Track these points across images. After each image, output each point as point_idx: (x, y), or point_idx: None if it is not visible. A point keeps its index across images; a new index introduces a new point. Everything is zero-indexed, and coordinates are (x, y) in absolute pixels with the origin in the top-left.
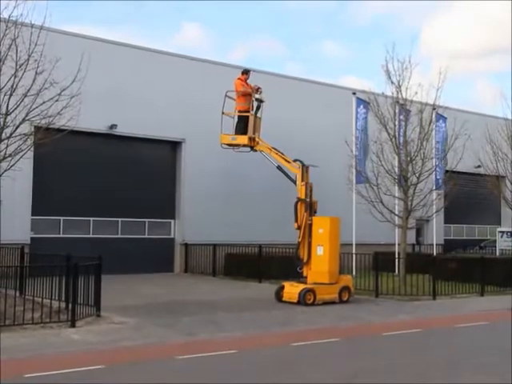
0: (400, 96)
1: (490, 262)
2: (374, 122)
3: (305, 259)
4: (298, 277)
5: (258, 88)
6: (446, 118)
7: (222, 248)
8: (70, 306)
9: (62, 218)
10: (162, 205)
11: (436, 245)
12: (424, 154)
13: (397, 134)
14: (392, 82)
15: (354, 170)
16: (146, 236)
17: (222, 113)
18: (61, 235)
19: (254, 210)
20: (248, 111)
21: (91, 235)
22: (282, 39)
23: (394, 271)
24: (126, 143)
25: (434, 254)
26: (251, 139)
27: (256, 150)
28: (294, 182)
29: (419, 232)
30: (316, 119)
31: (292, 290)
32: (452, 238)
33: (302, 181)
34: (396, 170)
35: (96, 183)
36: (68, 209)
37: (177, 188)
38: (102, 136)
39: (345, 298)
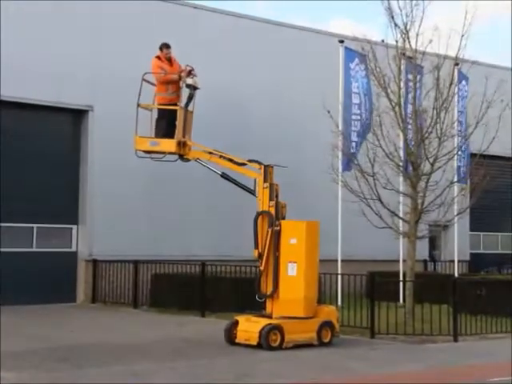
0: (407, 45)
1: None
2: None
3: (269, 291)
4: (259, 308)
5: (191, 70)
6: (468, 79)
7: (148, 266)
8: None
9: None
10: (59, 203)
11: (458, 262)
12: (442, 129)
13: (402, 100)
14: (396, 25)
15: (339, 153)
16: (34, 249)
17: (138, 105)
18: None
19: (195, 212)
20: (174, 103)
21: None
22: None
23: (398, 300)
24: (5, 112)
25: (456, 274)
26: (180, 144)
27: (188, 159)
28: (251, 190)
29: (434, 243)
30: (286, 80)
31: (250, 327)
32: (481, 251)
33: (265, 182)
34: (401, 152)
35: None
36: None
37: (81, 178)
38: None
39: (326, 339)
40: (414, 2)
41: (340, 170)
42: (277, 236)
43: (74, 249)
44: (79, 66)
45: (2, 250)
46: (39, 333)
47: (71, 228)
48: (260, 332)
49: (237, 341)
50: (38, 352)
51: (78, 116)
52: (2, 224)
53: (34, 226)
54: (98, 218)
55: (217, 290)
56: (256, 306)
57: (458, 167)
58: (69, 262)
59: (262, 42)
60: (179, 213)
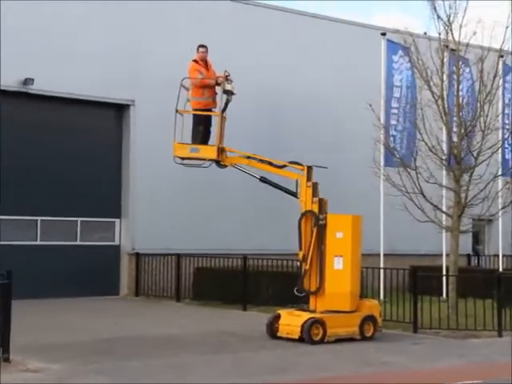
0: (450, 37)
1: None
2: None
3: (314, 288)
4: (299, 302)
5: (227, 75)
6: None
7: (190, 260)
8: None
9: None
10: (102, 197)
11: (502, 256)
12: (485, 122)
13: (445, 93)
14: (439, 17)
15: (381, 147)
16: (78, 242)
17: (176, 111)
18: None
19: (237, 205)
20: (208, 109)
21: None
22: None
23: (441, 294)
24: (48, 106)
25: (500, 269)
26: (219, 150)
27: (226, 166)
28: (293, 193)
29: (477, 237)
30: (327, 73)
31: (292, 320)
32: None
33: (308, 180)
34: (443, 146)
35: (3, 164)
36: None
37: (123, 172)
38: (12, 95)
39: (368, 333)
40: None
41: (382, 163)
42: (322, 230)
43: (117, 242)
44: (122, 61)
45: (47, 243)
46: (83, 325)
47: (114, 222)
48: (302, 326)
49: (279, 334)
50: (82, 344)
51: (119, 110)
52: (48, 218)
53: (78, 219)
54: (140, 212)
55: (258, 284)
56: (298, 300)
57: (504, 160)
58: (112, 255)
59: (301, 36)
60: (221, 207)
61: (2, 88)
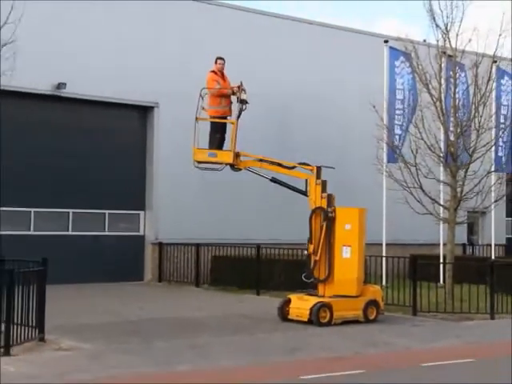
0: (448, 44)
1: None
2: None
3: (323, 277)
4: (308, 287)
5: (240, 85)
6: (510, 74)
7: (208, 249)
8: (3, 327)
9: None
10: (128, 191)
11: (495, 245)
12: (480, 122)
13: (443, 95)
14: (437, 26)
15: (384, 145)
16: (106, 233)
17: (196, 118)
18: None
19: (251, 198)
20: (224, 117)
21: (32, 232)
22: None
23: (438, 280)
24: (79, 108)
25: (493, 257)
26: (234, 155)
27: (239, 169)
28: (303, 192)
29: (472, 228)
30: (334, 77)
31: (301, 304)
32: None
33: (318, 179)
34: (441, 144)
35: (37, 162)
36: None
37: (147, 169)
38: (46, 98)
39: (372, 316)
40: (454, 3)
41: (385, 160)
42: (331, 223)
43: (141, 233)
44: (146, 65)
45: (78, 233)
46: (111, 308)
47: (139, 214)
48: (311, 309)
49: (289, 317)
50: (111, 325)
51: (144, 112)
52: (79, 210)
53: (106, 212)
54: (163, 205)
55: (271, 271)
56: (307, 286)
57: (497, 157)
58: (137, 244)
59: (309, 43)
60: (237, 200)
61: (36, 92)
